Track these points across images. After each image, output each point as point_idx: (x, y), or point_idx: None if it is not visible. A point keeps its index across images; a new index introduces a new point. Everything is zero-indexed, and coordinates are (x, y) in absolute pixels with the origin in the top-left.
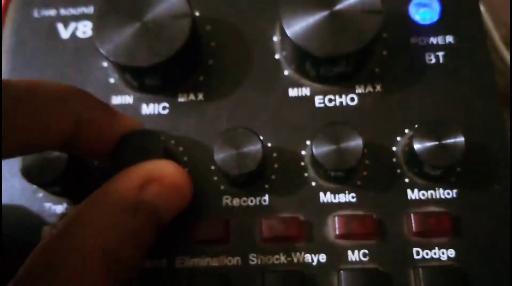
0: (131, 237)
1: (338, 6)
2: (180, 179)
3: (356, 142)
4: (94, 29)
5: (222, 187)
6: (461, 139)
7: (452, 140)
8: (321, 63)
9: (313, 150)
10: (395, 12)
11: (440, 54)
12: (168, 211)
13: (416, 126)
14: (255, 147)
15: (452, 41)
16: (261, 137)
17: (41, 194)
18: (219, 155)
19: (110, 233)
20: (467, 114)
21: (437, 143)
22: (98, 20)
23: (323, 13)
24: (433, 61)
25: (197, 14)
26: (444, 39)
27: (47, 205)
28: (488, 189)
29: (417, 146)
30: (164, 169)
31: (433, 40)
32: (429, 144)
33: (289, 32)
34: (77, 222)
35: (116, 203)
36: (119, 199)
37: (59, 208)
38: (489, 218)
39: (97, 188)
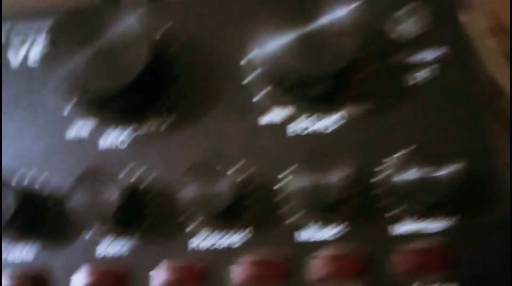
0: None
1: (312, 26)
2: None
3: (337, 176)
4: (43, 58)
5: (188, 228)
6: (452, 169)
7: (442, 172)
8: (295, 86)
9: (290, 185)
10: (374, 28)
11: (426, 71)
12: None
13: (397, 155)
14: (226, 184)
15: (438, 57)
16: (232, 170)
17: None
18: (186, 194)
19: None
20: (459, 136)
21: (425, 175)
22: (48, 49)
23: (296, 35)
24: (419, 79)
25: (159, 35)
26: (434, 53)
27: None
28: (483, 218)
29: (401, 177)
30: None
31: (419, 56)
32: (415, 176)
33: (258, 53)
34: None
35: None
36: None
37: (11, 256)
38: (486, 250)
39: (52, 231)
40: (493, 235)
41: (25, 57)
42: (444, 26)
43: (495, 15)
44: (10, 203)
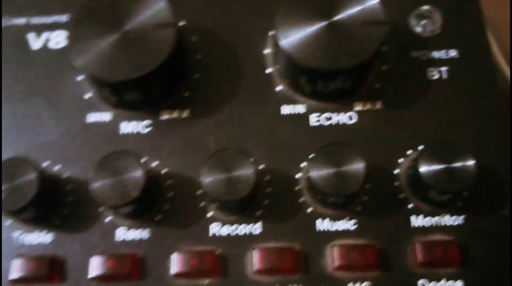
0: None
1: (337, 17)
2: None
3: (358, 166)
4: (69, 39)
5: (210, 214)
6: (471, 162)
7: (461, 164)
8: (318, 78)
9: (310, 174)
10: (395, 24)
11: (443, 69)
12: None
13: (421, 147)
14: (247, 171)
15: (455, 55)
16: (252, 159)
17: (8, 222)
18: (208, 179)
19: None
20: (473, 134)
21: (445, 166)
22: (73, 30)
23: (321, 24)
24: (436, 76)
25: (182, 23)
26: (447, 53)
27: (15, 234)
28: (497, 214)
29: (423, 169)
30: None
31: (435, 54)
32: (436, 167)
33: (283, 43)
34: None
35: None
36: None
37: (29, 238)
38: (499, 246)
39: (72, 214)
40: (506, 233)
41: (47, 40)
42: (465, 25)
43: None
44: (30, 186)
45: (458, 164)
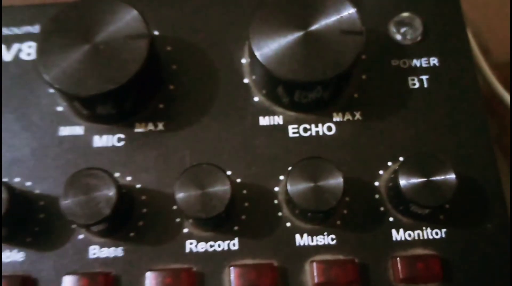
0: None
1: (314, 27)
2: None
3: (336, 180)
4: (37, 51)
5: (185, 230)
6: (451, 176)
7: (442, 177)
8: (295, 88)
9: (288, 188)
10: (374, 31)
11: (424, 77)
12: None
13: (401, 159)
14: (222, 187)
15: (436, 63)
16: (229, 172)
17: None
18: (182, 196)
19: None
20: (455, 145)
21: (425, 180)
22: (42, 42)
23: (297, 34)
24: (417, 85)
25: (156, 33)
26: (428, 61)
27: None
28: (480, 228)
29: (403, 182)
30: None
31: (416, 62)
32: (416, 180)
33: (258, 54)
34: None
35: None
36: None
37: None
38: (482, 260)
39: (44, 231)
40: (489, 246)
41: (19, 50)
42: (447, 32)
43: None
44: (1, 204)
45: (438, 178)
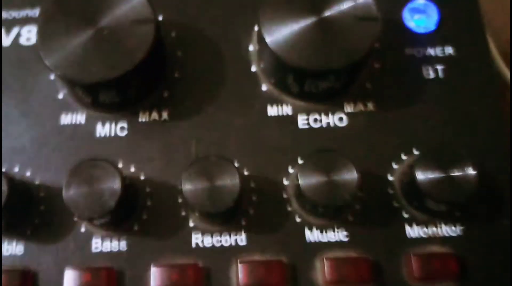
0: None
1: (327, 13)
2: None
3: (351, 174)
4: (38, 35)
5: (191, 224)
6: (472, 171)
7: (461, 173)
8: (306, 77)
9: (300, 182)
10: (388, 19)
11: (440, 67)
12: None
13: (415, 152)
14: (231, 180)
15: (452, 53)
16: (236, 164)
17: None
18: (189, 189)
19: None
20: (470, 137)
21: (444, 175)
22: (43, 25)
23: (310, 20)
24: (432, 75)
25: (160, 18)
26: (443, 50)
27: None
28: (496, 224)
29: (420, 177)
30: None
31: (430, 51)
32: (434, 176)
33: (269, 40)
34: None
35: None
36: None
37: None
38: (499, 258)
39: (44, 223)
40: (506, 243)
41: (18, 35)
42: (462, 20)
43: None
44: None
45: (458, 173)
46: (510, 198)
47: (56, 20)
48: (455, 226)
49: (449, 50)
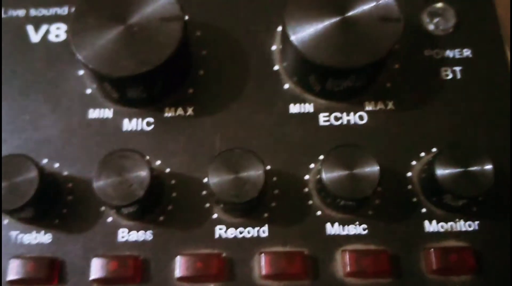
0: None
1: (351, 12)
2: None
3: (372, 168)
4: (70, 31)
5: (215, 216)
6: (489, 166)
7: (479, 168)
8: (329, 76)
9: (323, 176)
10: (407, 21)
11: (458, 69)
12: None
13: (434, 150)
14: (256, 172)
15: (470, 55)
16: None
17: (6, 221)
18: (215, 180)
19: None
20: (488, 135)
21: (462, 170)
22: (75, 22)
23: (334, 20)
24: (450, 76)
25: (186, 18)
26: (462, 52)
27: (13, 234)
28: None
29: (439, 172)
30: None
31: (449, 53)
32: (453, 171)
33: (293, 38)
34: None
35: None
36: None
37: (28, 238)
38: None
39: (72, 213)
40: None
41: (47, 32)
42: (479, 23)
43: None
44: (30, 184)
45: (475, 168)
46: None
47: (88, 17)
48: (472, 221)
49: (467, 52)
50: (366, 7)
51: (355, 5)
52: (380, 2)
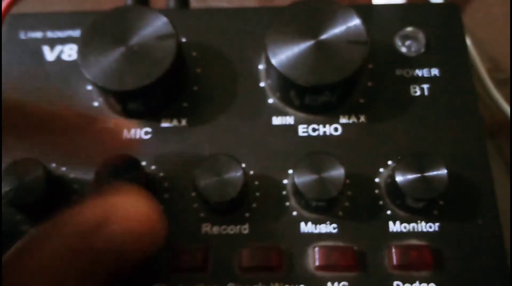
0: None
1: (323, 36)
2: (150, 221)
3: (338, 172)
4: (79, 53)
5: (201, 214)
6: (443, 171)
7: (434, 173)
8: (306, 92)
9: (295, 179)
10: (381, 43)
11: (425, 86)
12: (129, 257)
13: (398, 157)
14: (236, 174)
15: (437, 74)
16: (243, 165)
17: (18, 216)
18: (201, 182)
19: (49, 279)
20: (451, 146)
21: (419, 175)
22: (83, 45)
23: (308, 43)
24: (418, 93)
25: (183, 40)
26: (430, 71)
27: (25, 228)
28: (470, 223)
29: (399, 178)
30: (131, 207)
31: (418, 72)
32: (411, 176)
33: (274, 60)
34: (14, 263)
35: (62, 243)
36: (66, 238)
37: None
38: (471, 252)
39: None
40: (479, 239)
41: (61, 52)
42: (447, 46)
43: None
44: (36, 187)
45: (431, 173)
46: (488, 201)
47: (93, 41)
48: (432, 223)
49: (435, 71)
50: (336, 31)
51: (327, 30)
52: (349, 26)
